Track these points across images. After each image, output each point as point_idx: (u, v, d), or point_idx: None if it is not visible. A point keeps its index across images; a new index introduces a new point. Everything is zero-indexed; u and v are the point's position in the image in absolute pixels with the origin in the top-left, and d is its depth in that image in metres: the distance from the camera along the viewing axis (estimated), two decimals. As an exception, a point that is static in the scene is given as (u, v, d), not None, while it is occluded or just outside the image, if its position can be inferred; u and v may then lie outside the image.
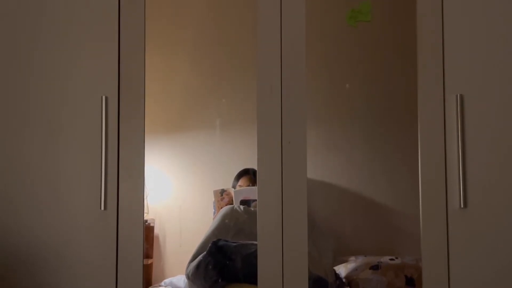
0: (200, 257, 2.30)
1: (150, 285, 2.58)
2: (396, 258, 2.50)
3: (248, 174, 2.70)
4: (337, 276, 2.43)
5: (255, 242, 1.89)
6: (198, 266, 2.28)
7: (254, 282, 1.87)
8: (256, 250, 1.87)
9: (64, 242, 1.86)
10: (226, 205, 2.63)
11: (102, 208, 1.85)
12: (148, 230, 2.64)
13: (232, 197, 2.67)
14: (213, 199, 2.73)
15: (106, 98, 1.87)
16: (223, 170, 2.77)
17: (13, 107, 1.90)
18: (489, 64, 1.83)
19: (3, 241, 1.86)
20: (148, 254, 2.62)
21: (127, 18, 1.91)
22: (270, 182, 1.87)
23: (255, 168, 1.90)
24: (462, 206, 1.80)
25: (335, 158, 2.73)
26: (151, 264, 2.65)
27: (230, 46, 2.82)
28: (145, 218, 2.19)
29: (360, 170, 2.73)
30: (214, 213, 2.69)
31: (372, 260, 2.50)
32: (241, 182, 2.72)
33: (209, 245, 2.30)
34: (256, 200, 1.91)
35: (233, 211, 2.54)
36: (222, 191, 2.73)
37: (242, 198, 2.61)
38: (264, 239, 1.87)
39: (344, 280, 2.44)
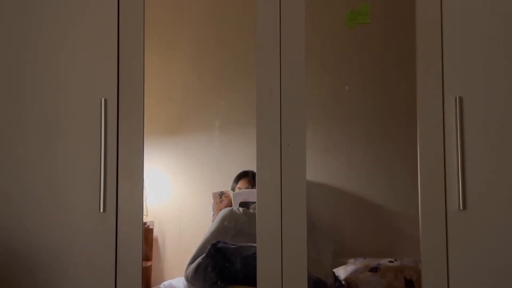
0: (199, 259, 2.30)
1: (149, 287, 2.57)
2: (396, 260, 2.50)
3: (247, 176, 2.70)
4: (336, 278, 2.43)
5: (254, 244, 1.89)
6: (197, 268, 2.28)
7: (253, 284, 1.87)
8: (255, 252, 1.87)
9: (64, 244, 1.86)
10: (225, 207, 2.63)
11: (101, 210, 1.85)
12: (147, 232, 2.63)
13: (231, 199, 2.66)
14: (212, 201, 2.73)
15: (105, 100, 1.87)
16: (222, 172, 2.77)
17: (13, 108, 1.90)
18: (488, 66, 1.83)
19: (2, 242, 1.86)
20: (147, 256, 2.61)
21: (126, 19, 1.91)
22: (269, 184, 1.87)
23: (254, 170, 1.90)
24: (461, 208, 1.80)
25: (335, 159, 2.72)
26: (150, 266, 2.64)
27: (230, 47, 2.82)
28: (144, 220, 2.18)
29: (359, 171, 2.72)
30: (213, 215, 2.69)
31: (372, 262, 2.49)
32: (240, 184, 2.71)
33: (208, 247, 2.30)
34: (255, 202, 1.91)
35: (232, 213, 2.54)
36: (221, 193, 2.72)
37: (241, 200, 2.61)
38: (263, 241, 1.87)
39: (343, 282, 2.44)
